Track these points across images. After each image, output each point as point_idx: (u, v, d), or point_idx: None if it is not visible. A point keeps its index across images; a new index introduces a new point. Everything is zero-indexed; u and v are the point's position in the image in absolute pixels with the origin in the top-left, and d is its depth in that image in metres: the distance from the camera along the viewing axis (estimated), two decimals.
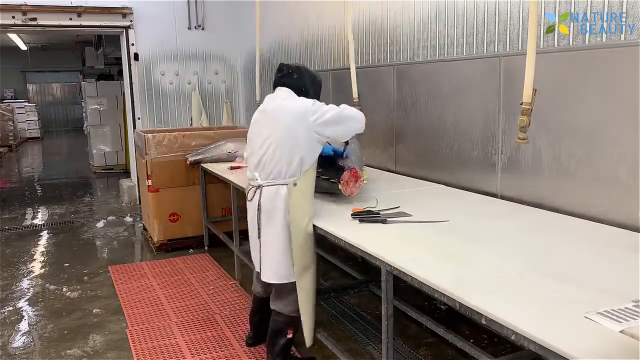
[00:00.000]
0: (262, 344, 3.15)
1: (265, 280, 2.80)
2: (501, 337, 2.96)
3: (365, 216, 2.59)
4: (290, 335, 2.85)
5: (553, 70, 2.59)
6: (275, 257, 2.72)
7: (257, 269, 2.88)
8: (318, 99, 2.83)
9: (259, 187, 2.73)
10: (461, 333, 3.00)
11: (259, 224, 2.75)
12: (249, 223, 2.88)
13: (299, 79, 2.78)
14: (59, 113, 21.43)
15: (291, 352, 2.94)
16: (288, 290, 2.74)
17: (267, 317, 3.01)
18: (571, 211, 2.58)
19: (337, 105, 2.77)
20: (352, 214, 2.63)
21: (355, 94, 4.02)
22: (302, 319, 2.71)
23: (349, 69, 4.11)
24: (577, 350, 1.31)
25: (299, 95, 2.76)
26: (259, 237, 2.76)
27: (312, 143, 2.67)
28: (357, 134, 3.55)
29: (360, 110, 3.57)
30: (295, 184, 2.63)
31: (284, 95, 2.77)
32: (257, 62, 5.56)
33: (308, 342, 2.74)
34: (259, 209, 2.73)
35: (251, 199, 2.80)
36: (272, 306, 2.87)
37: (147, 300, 4.01)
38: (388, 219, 2.53)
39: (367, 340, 3.29)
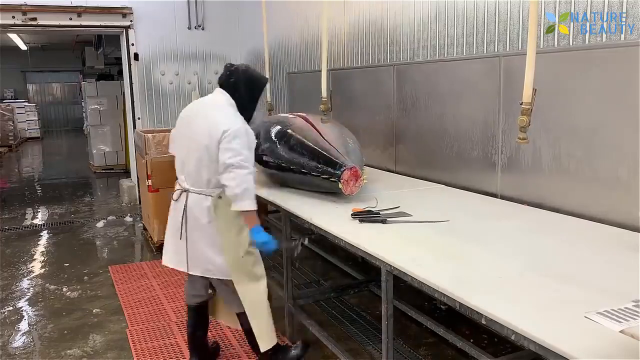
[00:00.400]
0: None
1: (195, 274, 2.80)
2: (501, 337, 2.96)
3: (365, 216, 2.59)
4: None
5: (553, 70, 2.59)
6: (205, 254, 2.74)
7: (182, 268, 2.84)
8: (254, 101, 2.80)
9: (186, 190, 2.74)
10: (461, 333, 3.00)
11: (183, 226, 2.74)
12: (170, 222, 2.85)
13: (234, 83, 2.73)
14: (59, 113, 21.41)
15: (279, 343, 2.93)
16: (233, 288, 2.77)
17: (206, 329, 3.03)
18: (571, 211, 2.58)
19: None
20: (352, 214, 2.63)
21: (324, 93, 3.97)
22: (252, 324, 2.75)
23: (349, 68, 4.12)
24: (577, 350, 1.31)
25: (233, 96, 2.73)
26: (183, 238, 2.75)
27: None
28: (355, 135, 3.57)
29: (327, 112, 3.48)
30: (220, 197, 2.65)
31: (215, 100, 2.77)
32: (267, 62, 5.55)
33: (262, 347, 2.77)
34: (184, 212, 2.73)
35: (177, 199, 2.80)
36: (236, 310, 2.88)
37: (147, 300, 4.01)
38: (388, 219, 2.53)
39: (367, 340, 3.29)
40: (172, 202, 2.84)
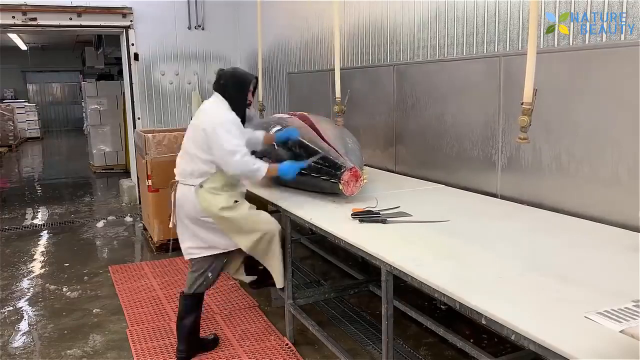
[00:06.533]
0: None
1: (189, 257, 3.13)
2: (501, 337, 2.96)
3: (365, 216, 2.59)
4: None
5: (553, 70, 2.59)
6: (186, 242, 3.10)
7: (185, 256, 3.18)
8: (243, 97, 3.05)
9: (177, 182, 3.08)
10: (461, 333, 3.00)
11: (174, 213, 3.11)
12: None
13: (224, 84, 3.04)
14: (59, 113, 21.39)
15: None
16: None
17: (194, 319, 3.21)
18: (571, 211, 2.58)
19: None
20: (352, 214, 2.63)
21: (338, 94, 3.99)
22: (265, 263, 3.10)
23: (349, 68, 4.11)
24: (577, 350, 1.31)
25: (224, 96, 3.02)
26: (179, 226, 3.11)
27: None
28: (355, 135, 3.59)
29: (341, 113, 3.69)
30: (202, 186, 2.96)
31: (213, 102, 3.07)
32: (260, 63, 5.56)
33: (278, 283, 3.12)
34: (174, 202, 3.09)
35: (173, 191, 3.12)
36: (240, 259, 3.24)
37: (147, 300, 4.01)
38: (388, 219, 2.53)
39: (367, 340, 3.29)
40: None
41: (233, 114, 2.97)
